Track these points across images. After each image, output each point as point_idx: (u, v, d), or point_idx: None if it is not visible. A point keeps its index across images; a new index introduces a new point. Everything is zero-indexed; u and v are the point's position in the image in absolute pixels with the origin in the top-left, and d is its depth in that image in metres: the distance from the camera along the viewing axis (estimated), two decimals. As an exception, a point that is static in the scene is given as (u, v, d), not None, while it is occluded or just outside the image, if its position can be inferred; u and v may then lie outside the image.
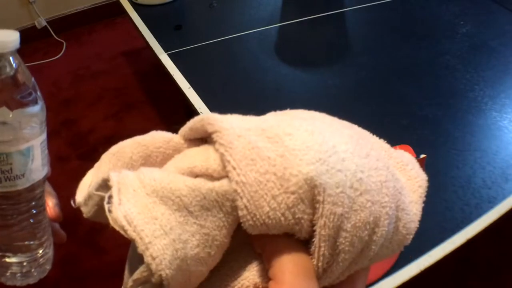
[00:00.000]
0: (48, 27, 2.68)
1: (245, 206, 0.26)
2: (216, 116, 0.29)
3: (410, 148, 0.95)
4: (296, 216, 0.27)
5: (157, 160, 0.32)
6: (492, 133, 1.10)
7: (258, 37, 1.46)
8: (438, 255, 0.86)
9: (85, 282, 1.63)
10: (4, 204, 0.41)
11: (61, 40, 2.69)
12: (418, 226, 0.32)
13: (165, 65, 1.33)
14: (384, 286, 0.82)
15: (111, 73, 2.50)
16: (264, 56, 1.39)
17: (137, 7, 1.62)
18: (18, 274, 0.43)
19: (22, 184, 0.40)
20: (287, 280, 0.26)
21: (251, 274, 0.29)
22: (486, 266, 1.60)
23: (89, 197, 0.30)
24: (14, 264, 0.43)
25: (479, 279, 1.57)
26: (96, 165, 0.32)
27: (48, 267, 0.45)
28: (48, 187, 0.46)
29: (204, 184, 0.27)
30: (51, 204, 0.45)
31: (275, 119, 0.31)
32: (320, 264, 0.28)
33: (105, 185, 0.28)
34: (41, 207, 0.44)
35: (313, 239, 0.27)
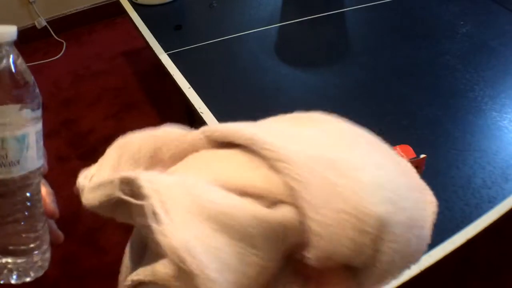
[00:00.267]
0: (48, 27, 2.68)
1: (323, 246, 0.25)
2: (273, 141, 0.28)
3: (410, 148, 0.95)
4: (363, 252, 0.27)
5: (167, 154, 0.30)
6: (492, 133, 1.10)
7: (258, 37, 1.46)
8: (438, 255, 0.86)
9: (85, 281, 1.63)
10: None
11: (61, 40, 2.69)
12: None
13: (165, 65, 1.33)
14: (384, 286, 0.82)
15: (111, 73, 2.50)
16: (264, 56, 1.39)
17: (137, 7, 1.62)
18: (14, 273, 0.42)
19: (17, 172, 0.40)
20: None
21: None
22: (486, 266, 1.60)
23: (99, 186, 0.28)
24: (10, 264, 0.42)
25: (479, 279, 1.57)
26: (100, 159, 0.31)
27: (45, 267, 0.45)
28: (45, 185, 0.46)
29: (274, 216, 0.25)
30: (48, 200, 0.45)
31: (333, 144, 0.30)
32: None
33: (127, 183, 0.26)
34: (37, 201, 0.44)
35: (365, 269, 0.28)
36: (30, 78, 0.41)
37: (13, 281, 0.42)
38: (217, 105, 1.16)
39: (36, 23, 2.66)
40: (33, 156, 0.42)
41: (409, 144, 0.96)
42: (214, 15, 1.60)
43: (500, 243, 1.61)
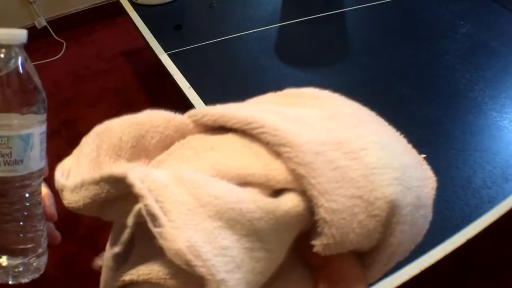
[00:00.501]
0: (48, 27, 2.68)
1: (332, 234, 0.24)
2: (274, 124, 0.26)
3: (410, 148, 0.95)
4: (372, 237, 0.26)
5: (152, 141, 0.28)
6: (492, 133, 1.10)
7: (258, 37, 1.46)
8: (438, 255, 0.86)
9: (85, 281, 1.63)
10: None
11: (61, 40, 2.69)
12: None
13: (165, 65, 1.33)
14: (384, 286, 0.82)
15: (111, 73, 2.50)
16: (264, 56, 1.39)
17: (137, 7, 1.62)
18: (11, 273, 0.43)
19: (20, 171, 0.41)
20: None
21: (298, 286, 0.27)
22: (486, 266, 1.60)
23: (81, 186, 0.25)
24: (7, 264, 0.42)
25: (479, 279, 1.57)
26: (76, 150, 0.28)
27: (41, 269, 0.45)
28: (45, 187, 0.46)
29: (278, 206, 0.24)
30: (47, 203, 0.46)
31: (335, 126, 0.28)
32: (372, 274, 0.28)
33: (114, 182, 0.24)
34: (36, 203, 0.44)
35: (373, 252, 0.27)
36: (38, 81, 0.42)
37: (10, 282, 0.42)
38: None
39: (36, 23, 2.66)
40: (36, 157, 0.42)
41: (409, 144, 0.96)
42: (214, 15, 1.60)
43: (500, 243, 1.61)
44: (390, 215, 0.26)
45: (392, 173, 0.26)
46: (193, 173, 0.24)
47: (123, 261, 0.26)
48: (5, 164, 0.40)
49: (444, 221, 0.91)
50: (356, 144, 0.26)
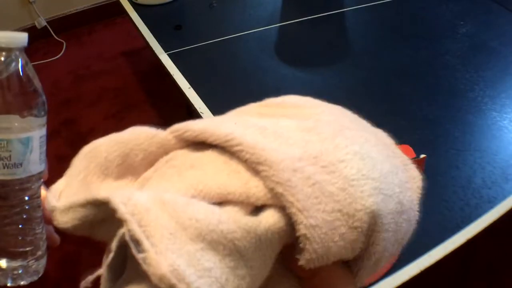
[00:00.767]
0: (48, 27, 2.68)
1: (314, 250, 0.25)
2: (252, 142, 0.26)
3: (410, 148, 0.95)
4: (355, 247, 0.27)
5: (137, 159, 0.28)
6: (492, 133, 1.10)
7: (258, 37, 1.46)
8: (438, 255, 0.86)
9: (85, 282, 1.63)
10: None
11: (61, 40, 2.69)
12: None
13: (165, 65, 1.33)
14: (384, 286, 0.82)
15: (111, 73, 2.50)
16: (264, 56, 1.39)
17: (137, 7, 1.62)
18: (9, 276, 0.43)
19: (19, 174, 0.41)
20: None
21: None
22: (486, 266, 1.60)
23: (70, 208, 0.26)
24: (6, 266, 0.43)
25: (479, 279, 1.57)
26: (67, 171, 0.28)
27: (40, 272, 0.45)
28: (44, 190, 0.46)
29: (259, 224, 0.24)
30: (46, 206, 0.46)
31: (313, 138, 0.28)
32: (360, 279, 0.29)
33: (99, 205, 0.24)
34: (36, 206, 0.44)
35: (359, 260, 0.28)
36: (38, 84, 0.42)
37: (9, 284, 0.42)
38: (217, 105, 1.16)
39: (36, 23, 2.66)
40: (35, 160, 0.42)
41: (409, 144, 0.96)
42: (214, 15, 1.60)
43: (500, 243, 1.61)
44: (372, 225, 0.26)
45: (372, 183, 0.26)
46: (175, 195, 0.24)
47: (119, 274, 0.26)
48: (4, 167, 0.40)
49: (444, 221, 0.91)
50: (335, 156, 0.27)
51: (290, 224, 0.25)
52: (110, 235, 0.24)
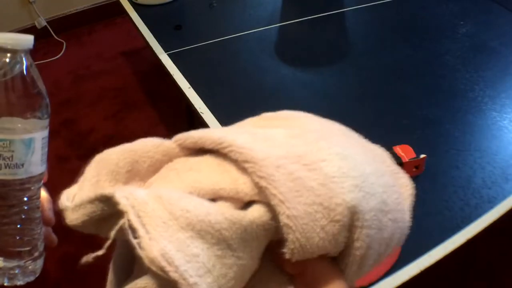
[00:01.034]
0: (48, 27, 2.68)
1: (297, 239, 0.26)
2: (241, 143, 0.29)
3: (410, 148, 0.95)
4: (339, 241, 0.28)
5: (144, 166, 0.31)
6: (492, 133, 1.10)
7: (258, 37, 1.46)
8: (438, 255, 0.86)
9: (86, 281, 1.63)
10: None
11: (61, 40, 2.69)
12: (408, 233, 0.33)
13: (165, 65, 1.33)
14: (384, 286, 0.82)
15: (111, 73, 2.50)
16: (264, 56, 1.39)
17: (137, 7, 1.62)
18: (6, 275, 0.43)
19: (20, 174, 0.41)
20: None
21: None
22: (486, 266, 1.60)
23: (80, 206, 0.28)
24: (3, 266, 0.43)
25: (479, 279, 1.57)
26: (81, 178, 0.31)
27: (37, 272, 0.45)
28: (44, 192, 0.46)
29: (244, 216, 0.27)
30: (45, 207, 0.46)
31: (299, 142, 0.30)
32: (348, 276, 0.30)
33: (105, 200, 0.27)
34: (35, 206, 0.44)
35: (344, 257, 0.29)
36: (42, 86, 0.42)
37: (5, 283, 0.43)
38: (217, 105, 1.16)
39: (36, 23, 2.66)
40: (37, 161, 0.42)
41: (409, 144, 0.96)
42: (214, 15, 1.60)
43: (500, 243, 1.61)
44: (354, 220, 0.28)
45: (352, 180, 0.28)
46: (171, 191, 0.27)
47: (127, 274, 0.29)
48: (5, 167, 0.40)
49: (444, 221, 0.91)
50: (317, 156, 0.29)
51: (275, 219, 0.27)
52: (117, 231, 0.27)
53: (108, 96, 2.36)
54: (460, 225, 0.90)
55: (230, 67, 1.37)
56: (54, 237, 0.49)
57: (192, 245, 0.24)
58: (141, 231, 0.24)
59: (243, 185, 0.27)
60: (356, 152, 0.31)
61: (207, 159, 0.30)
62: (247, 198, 0.27)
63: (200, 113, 1.15)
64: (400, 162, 0.92)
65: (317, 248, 0.27)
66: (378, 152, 0.35)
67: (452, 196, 0.96)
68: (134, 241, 0.24)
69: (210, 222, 0.25)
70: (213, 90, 1.25)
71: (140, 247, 0.24)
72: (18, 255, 0.43)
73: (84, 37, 2.77)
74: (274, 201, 0.26)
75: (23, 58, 0.41)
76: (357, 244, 0.28)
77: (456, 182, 0.99)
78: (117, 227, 0.25)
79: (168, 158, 0.32)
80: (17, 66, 0.40)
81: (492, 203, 0.94)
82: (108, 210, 0.27)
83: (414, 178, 0.78)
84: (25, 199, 0.43)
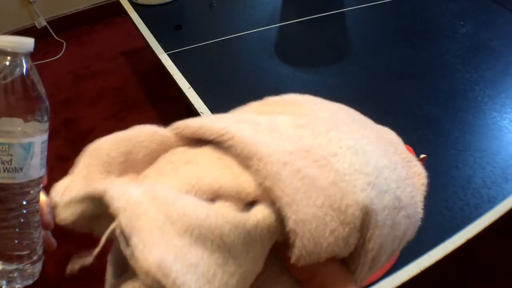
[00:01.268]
0: (48, 27, 2.68)
1: (304, 246, 0.24)
2: (244, 136, 0.26)
3: (410, 148, 0.95)
4: (349, 244, 0.26)
5: (139, 156, 0.28)
6: (492, 133, 1.10)
7: (258, 37, 1.46)
8: (438, 255, 0.86)
9: (86, 281, 1.63)
10: None
11: (61, 40, 2.69)
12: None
13: (165, 65, 1.33)
14: (384, 286, 0.82)
15: (111, 73, 2.50)
16: (264, 56, 1.39)
17: (137, 7, 1.62)
18: (4, 278, 0.43)
19: (19, 178, 0.41)
20: None
21: None
22: (486, 266, 1.60)
23: (70, 204, 0.26)
24: (1, 269, 0.43)
25: (479, 279, 1.57)
26: (72, 170, 0.29)
27: (35, 276, 0.45)
28: (43, 195, 0.46)
29: (247, 219, 0.24)
30: (45, 211, 0.46)
31: (307, 133, 0.28)
32: (359, 277, 0.28)
33: (96, 200, 0.25)
34: (34, 210, 0.44)
35: (355, 258, 0.27)
36: (42, 89, 0.42)
37: (4, 286, 0.43)
38: (217, 105, 1.16)
39: (36, 23, 2.66)
40: (36, 165, 0.42)
41: (409, 144, 0.96)
42: (214, 15, 1.60)
43: (500, 243, 1.61)
44: (366, 221, 0.26)
45: (365, 178, 0.26)
46: (166, 190, 0.24)
47: (121, 271, 0.27)
48: (4, 171, 0.40)
49: (444, 221, 0.91)
50: (327, 150, 0.26)
51: (281, 219, 0.24)
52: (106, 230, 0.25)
53: (108, 96, 2.36)
54: (460, 225, 0.90)
55: (230, 67, 1.37)
56: (53, 241, 0.49)
57: (190, 254, 0.22)
58: (134, 239, 0.21)
59: (245, 184, 0.25)
60: (368, 141, 0.29)
61: (206, 151, 0.27)
62: (249, 198, 0.25)
63: (200, 113, 1.15)
64: (400, 162, 0.92)
65: (325, 253, 0.25)
66: (390, 138, 0.32)
67: (452, 196, 0.96)
68: (127, 252, 0.22)
69: (210, 226, 0.23)
70: (213, 90, 1.25)
71: (132, 257, 0.21)
72: (17, 259, 0.43)
73: (84, 37, 2.77)
74: (280, 203, 0.24)
75: (23, 61, 0.41)
76: (369, 245, 0.26)
77: (456, 182, 0.99)
78: (107, 232, 0.23)
79: (164, 148, 0.29)
80: (17, 69, 0.40)
81: (492, 203, 0.94)
82: (100, 209, 0.25)
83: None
84: (24, 203, 0.43)
